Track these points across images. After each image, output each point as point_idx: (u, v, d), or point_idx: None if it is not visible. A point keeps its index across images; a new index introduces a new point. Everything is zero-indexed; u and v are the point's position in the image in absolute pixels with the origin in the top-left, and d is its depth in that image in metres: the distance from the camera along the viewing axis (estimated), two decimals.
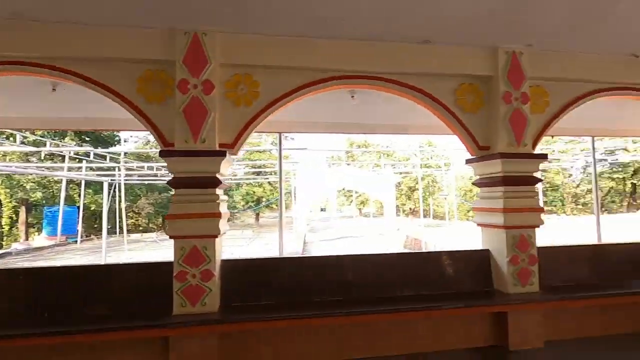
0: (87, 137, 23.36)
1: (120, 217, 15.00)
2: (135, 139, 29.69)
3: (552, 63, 3.82)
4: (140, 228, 27.07)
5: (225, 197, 3.47)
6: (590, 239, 7.11)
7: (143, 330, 2.91)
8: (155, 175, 16.97)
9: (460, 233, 16.90)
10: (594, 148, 5.92)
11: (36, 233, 22.16)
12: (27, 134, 14.27)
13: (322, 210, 64.00)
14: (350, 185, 26.73)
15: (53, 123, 5.20)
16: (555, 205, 29.45)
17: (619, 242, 4.62)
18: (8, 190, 21.23)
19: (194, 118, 3.13)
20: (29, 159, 20.21)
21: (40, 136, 17.77)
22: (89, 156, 13.80)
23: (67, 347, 2.90)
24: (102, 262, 9.91)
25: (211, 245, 3.13)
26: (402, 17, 3.25)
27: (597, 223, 5.76)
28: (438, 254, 4.00)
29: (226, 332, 3.08)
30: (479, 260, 3.82)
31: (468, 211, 28.35)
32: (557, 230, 14.92)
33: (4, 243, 21.07)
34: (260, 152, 25.84)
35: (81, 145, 20.74)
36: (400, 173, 28.92)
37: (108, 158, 13.91)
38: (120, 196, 13.97)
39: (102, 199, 14.34)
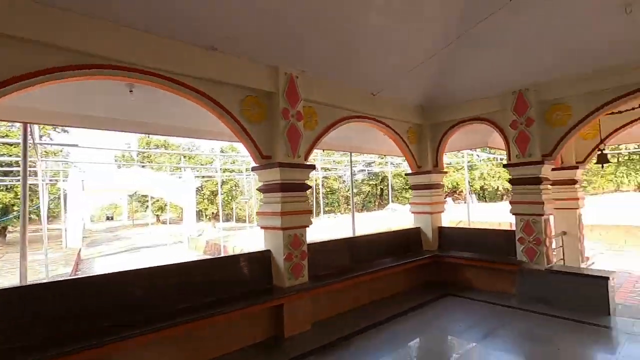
0: None
1: None
2: None
3: (320, 89, 4.60)
4: None
5: None
6: (349, 233, 9.09)
7: None
8: None
9: (261, 235, 17.96)
10: (351, 161, 7.57)
11: None
12: None
13: (108, 218, 54.34)
14: (146, 189, 23.86)
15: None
16: (334, 206, 35.81)
17: (367, 234, 6.05)
18: None
19: None
20: None
21: None
22: None
23: None
24: None
25: None
26: (193, 19, 3.18)
27: (352, 221, 7.36)
28: (226, 259, 4.11)
29: None
30: (262, 260, 4.14)
31: None
32: (336, 228, 18.10)
33: None
34: (10, 145, 19.40)
35: None
36: (203, 177, 28.14)
37: None
38: None
39: None
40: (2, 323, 2.62)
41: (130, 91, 3.60)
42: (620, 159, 21.14)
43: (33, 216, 22.24)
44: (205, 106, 3.71)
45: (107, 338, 2.73)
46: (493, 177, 31.26)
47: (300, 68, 4.27)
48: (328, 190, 34.40)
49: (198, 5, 3.21)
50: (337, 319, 4.47)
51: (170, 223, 26.92)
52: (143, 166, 27.20)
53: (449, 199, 27.83)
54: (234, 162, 26.50)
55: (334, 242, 5.24)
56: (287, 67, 4.15)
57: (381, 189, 34.60)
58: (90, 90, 3.74)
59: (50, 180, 19.18)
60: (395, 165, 26.19)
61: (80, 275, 10.51)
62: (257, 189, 4.66)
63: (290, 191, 4.08)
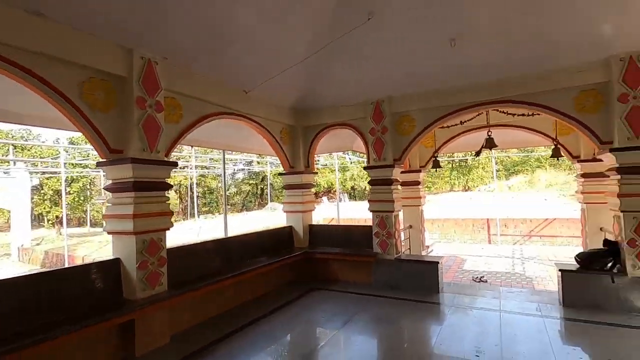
0: None
1: None
2: None
3: (186, 80, 4.24)
4: None
5: None
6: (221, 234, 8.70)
7: None
8: None
9: None
10: (224, 160, 7.27)
11: None
12: None
13: None
14: None
15: None
16: (212, 206, 34.02)
17: (239, 234, 5.86)
18: None
19: None
20: None
21: None
22: None
23: None
24: None
25: None
26: None
27: (224, 221, 7.09)
28: (59, 272, 3.37)
29: None
30: (108, 270, 3.55)
31: None
32: (215, 229, 17.13)
33: None
34: None
35: None
36: (43, 173, 22.99)
37: None
38: None
39: None
40: None
41: None
42: (453, 165, 26.22)
43: None
44: (31, 86, 2.99)
45: None
46: (362, 178, 34.82)
47: (162, 54, 3.85)
48: (206, 189, 32.52)
49: None
50: (202, 327, 4.20)
51: None
52: None
53: (324, 198, 29.76)
54: (87, 156, 22.49)
55: (204, 244, 4.92)
56: (144, 51, 3.68)
57: (261, 189, 34.57)
58: None
59: None
60: (275, 165, 26.53)
61: None
62: (103, 188, 4.00)
63: (145, 190, 3.62)
